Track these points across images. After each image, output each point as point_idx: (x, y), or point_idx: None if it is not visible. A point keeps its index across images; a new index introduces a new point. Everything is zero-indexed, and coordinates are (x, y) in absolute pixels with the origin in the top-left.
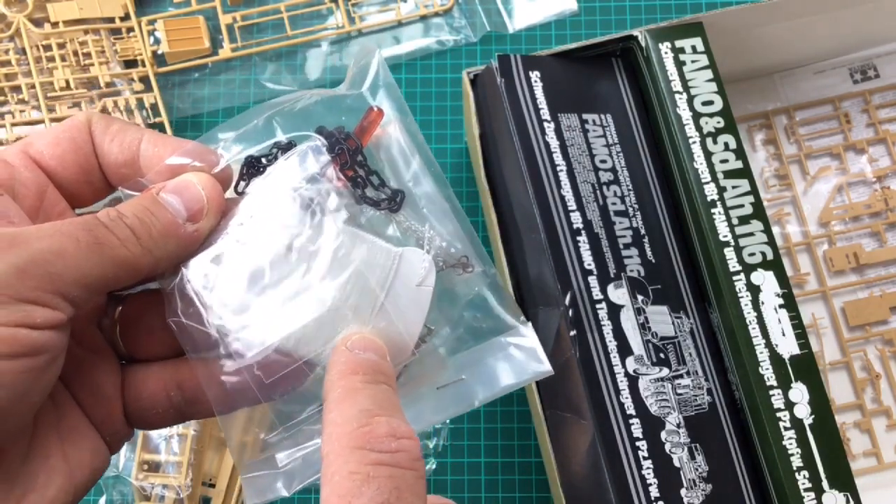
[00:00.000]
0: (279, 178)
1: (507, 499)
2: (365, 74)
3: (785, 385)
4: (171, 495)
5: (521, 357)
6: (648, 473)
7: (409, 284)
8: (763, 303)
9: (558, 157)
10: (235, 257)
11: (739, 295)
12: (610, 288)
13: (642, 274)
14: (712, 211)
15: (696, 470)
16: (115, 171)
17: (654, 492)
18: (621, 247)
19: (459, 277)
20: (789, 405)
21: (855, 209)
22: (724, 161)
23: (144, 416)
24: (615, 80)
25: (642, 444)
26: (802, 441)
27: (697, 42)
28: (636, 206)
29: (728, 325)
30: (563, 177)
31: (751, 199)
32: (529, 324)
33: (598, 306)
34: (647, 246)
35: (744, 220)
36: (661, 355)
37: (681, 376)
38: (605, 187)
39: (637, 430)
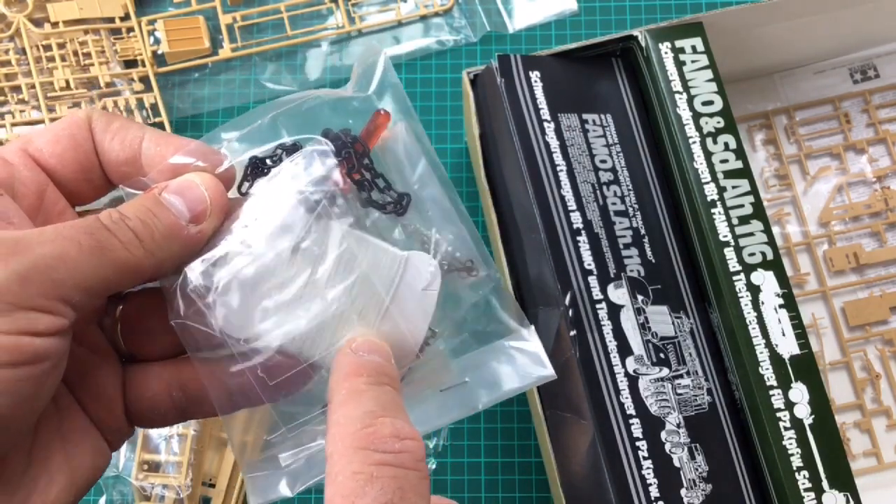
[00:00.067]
0: (285, 180)
1: (507, 499)
2: (370, 75)
3: (785, 385)
4: (171, 495)
5: (525, 361)
6: (648, 473)
7: (414, 288)
8: (763, 303)
9: (558, 157)
10: (240, 259)
11: (739, 295)
12: (610, 288)
13: (642, 274)
14: (712, 211)
15: (696, 470)
16: (116, 169)
17: (654, 492)
18: (621, 247)
19: (464, 281)
20: (789, 405)
21: (855, 209)
22: (724, 161)
23: (146, 416)
24: (615, 80)
25: (642, 444)
26: (802, 441)
27: (697, 42)
28: (636, 206)
29: (728, 325)
30: (563, 177)
31: (751, 199)
32: (533, 328)
33: (598, 306)
34: (647, 246)
35: (744, 220)
36: (661, 355)
37: (681, 376)
38: (605, 187)
39: (637, 430)
